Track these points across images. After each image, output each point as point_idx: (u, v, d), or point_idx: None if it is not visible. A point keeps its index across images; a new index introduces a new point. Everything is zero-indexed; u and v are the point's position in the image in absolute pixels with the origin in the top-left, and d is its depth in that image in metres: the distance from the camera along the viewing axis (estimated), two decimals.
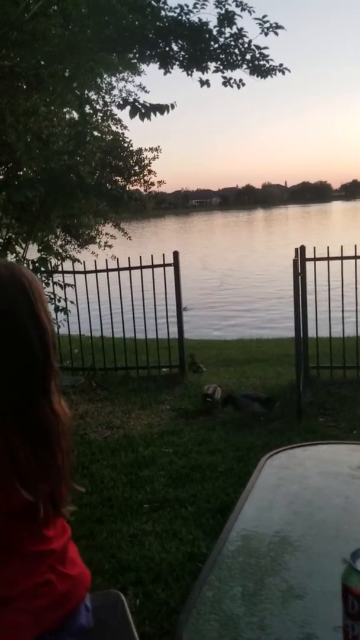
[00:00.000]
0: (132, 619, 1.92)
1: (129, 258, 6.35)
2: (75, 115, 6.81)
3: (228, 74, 5.64)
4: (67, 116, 6.90)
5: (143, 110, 4.92)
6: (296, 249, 5.65)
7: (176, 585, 2.76)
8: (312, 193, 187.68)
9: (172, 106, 5.11)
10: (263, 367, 7.07)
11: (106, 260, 6.50)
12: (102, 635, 1.89)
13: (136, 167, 7.93)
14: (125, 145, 7.97)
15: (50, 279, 5.78)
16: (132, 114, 4.79)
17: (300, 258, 5.60)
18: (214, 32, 5.52)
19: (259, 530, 1.19)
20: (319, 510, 1.26)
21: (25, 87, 5.69)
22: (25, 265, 5.48)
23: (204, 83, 5.74)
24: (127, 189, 6.71)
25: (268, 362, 7.55)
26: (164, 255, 6.27)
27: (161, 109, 4.98)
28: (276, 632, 0.93)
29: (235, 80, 5.71)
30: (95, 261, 6.54)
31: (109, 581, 2.80)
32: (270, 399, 5.22)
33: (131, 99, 5.19)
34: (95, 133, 6.39)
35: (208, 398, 5.32)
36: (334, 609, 0.85)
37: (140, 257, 6.28)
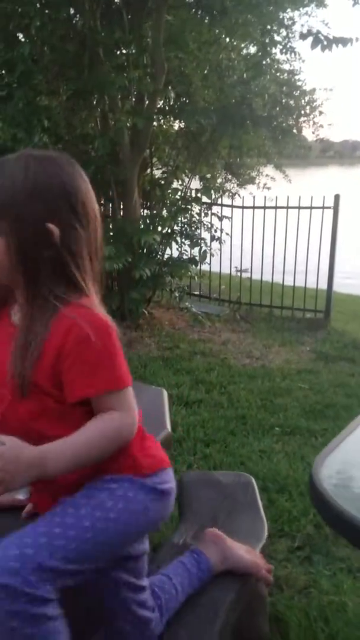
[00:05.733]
0: None
1: (287, 197, 6.33)
2: (252, 49, 6.77)
3: None
4: (244, 51, 6.88)
5: (325, 42, 4.78)
6: None
7: (300, 499, 2.91)
8: None
9: (357, 39, 4.90)
10: None
11: (264, 197, 6.54)
12: (230, 509, 2.10)
13: (307, 107, 7.74)
14: (299, 83, 7.79)
15: (210, 210, 5.98)
16: (313, 45, 4.68)
17: None
18: None
19: None
20: None
21: (208, 17, 5.76)
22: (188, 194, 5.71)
23: None
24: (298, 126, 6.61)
25: None
26: (324, 197, 6.16)
27: (344, 41, 4.79)
28: None
29: None
30: (254, 198, 6.61)
31: None
32: None
33: (315, 31, 5.04)
34: (272, 67, 6.32)
35: None
36: None
37: (300, 197, 6.24)
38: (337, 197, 6.14)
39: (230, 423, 3.75)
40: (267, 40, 5.82)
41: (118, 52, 5.30)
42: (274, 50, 6.12)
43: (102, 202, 5.51)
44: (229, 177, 8.69)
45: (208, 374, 4.57)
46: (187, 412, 3.85)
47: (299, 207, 6.27)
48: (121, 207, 5.31)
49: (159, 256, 5.43)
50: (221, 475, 2.34)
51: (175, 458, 3.20)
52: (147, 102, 5.30)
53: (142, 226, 5.09)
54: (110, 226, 5.06)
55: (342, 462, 1.11)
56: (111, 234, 4.75)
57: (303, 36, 4.88)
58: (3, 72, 4.72)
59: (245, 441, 3.53)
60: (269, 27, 6.09)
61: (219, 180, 8.42)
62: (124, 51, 5.32)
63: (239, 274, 6.72)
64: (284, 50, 6.01)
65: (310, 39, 4.91)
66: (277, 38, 6.24)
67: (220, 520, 2.01)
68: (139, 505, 1.29)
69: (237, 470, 3.15)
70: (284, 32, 6.56)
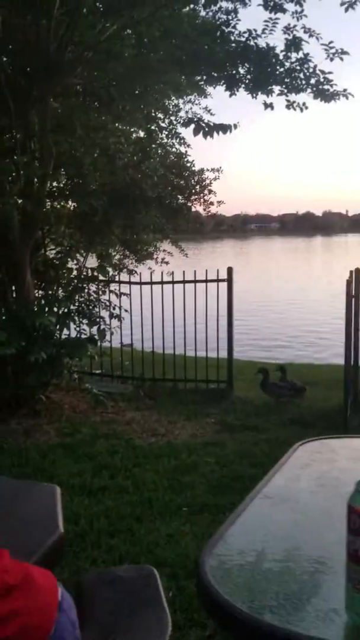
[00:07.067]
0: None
1: (183, 272, 6.50)
2: (141, 133, 7.09)
3: (292, 97, 5.75)
4: (134, 135, 7.19)
5: (207, 129, 5.10)
6: (351, 271, 5.64)
7: None
8: None
9: (235, 126, 5.27)
10: (311, 392, 7.01)
11: (162, 272, 6.68)
12: (132, 607, 1.97)
13: (197, 187, 8.13)
14: (188, 165, 8.20)
15: (107, 287, 6.00)
16: (195, 132, 4.98)
17: (355, 280, 5.59)
18: (281, 57, 5.66)
19: (285, 495, 1.26)
20: (345, 485, 1.31)
21: (96, 104, 5.99)
22: (84, 273, 5.71)
23: (268, 106, 5.85)
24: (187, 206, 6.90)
25: (317, 386, 7.49)
26: (218, 270, 6.38)
27: (224, 128, 5.14)
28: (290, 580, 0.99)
29: (298, 103, 5.81)
30: (151, 273, 6.73)
31: None
32: (303, 388, 6.11)
33: (196, 119, 5.38)
34: (160, 150, 6.62)
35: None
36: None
37: (195, 271, 6.42)
38: (229, 270, 6.38)
39: (136, 509, 3.60)
40: (153, 127, 6.12)
41: (6, 136, 5.34)
42: (160, 135, 6.45)
43: None
44: (127, 253, 8.83)
45: (112, 458, 4.42)
46: (90, 501, 3.66)
47: (195, 281, 6.44)
48: (13, 289, 5.20)
49: (55, 337, 5.32)
50: (122, 571, 2.21)
51: (77, 554, 3.00)
52: (36, 184, 5.33)
53: (36, 308, 4.99)
54: (2, 310, 4.91)
55: (226, 553, 1.07)
56: (3, 318, 4.60)
57: (185, 123, 5.18)
58: None
59: (152, 526, 3.40)
60: (154, 113, 6.43)
61: (117, 257, 8.54)
62: (11, 135, 5.37)
63: (136, 348, 6.73)
64: (169, 136, 6.34)
65: (192, 125, 5.23)
66: (162, 124, 6.61)
67: (121, 621, 1.88)
68: None
69: (144, 559, 3.00)
70: (170, 118, 6.97)
